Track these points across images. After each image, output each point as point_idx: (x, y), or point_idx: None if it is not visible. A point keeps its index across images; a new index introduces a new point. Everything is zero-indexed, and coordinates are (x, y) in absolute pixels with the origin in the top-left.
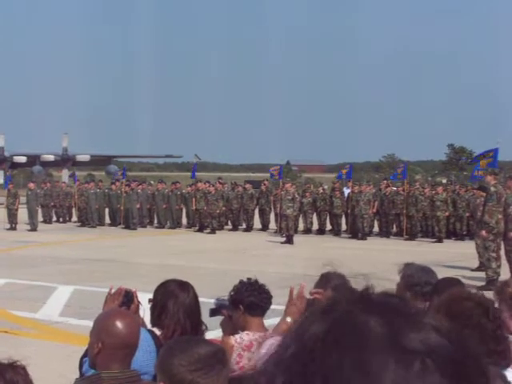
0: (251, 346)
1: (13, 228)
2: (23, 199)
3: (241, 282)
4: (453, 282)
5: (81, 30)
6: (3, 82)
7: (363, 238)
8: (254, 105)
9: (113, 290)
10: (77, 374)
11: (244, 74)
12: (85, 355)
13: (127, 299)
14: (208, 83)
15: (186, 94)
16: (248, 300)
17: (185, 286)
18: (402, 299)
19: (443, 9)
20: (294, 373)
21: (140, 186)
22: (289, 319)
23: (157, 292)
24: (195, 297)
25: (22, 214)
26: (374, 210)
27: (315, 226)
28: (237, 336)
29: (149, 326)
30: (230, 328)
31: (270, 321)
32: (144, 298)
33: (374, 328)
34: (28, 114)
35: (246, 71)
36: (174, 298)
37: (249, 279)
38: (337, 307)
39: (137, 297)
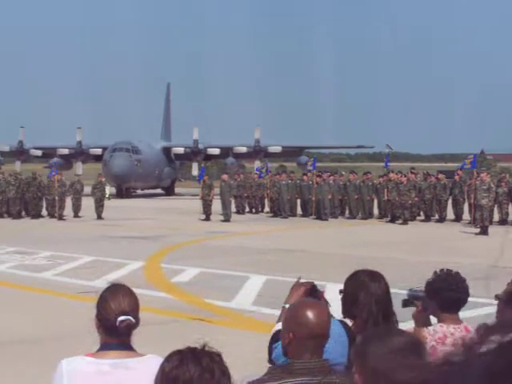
0: (445, 339)
1: (207, 218)
2: (217, 190)
3: (438, 273)
4: None
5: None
6: (198, 79)
7: None
8: (447, 93)
9: (301, 280)
10: (267, 363)
11: (422, 63)
12: (272, 341)
13: (312, 292)
14: (394, 74)
15: (378, 85)
16: (445, 294)
17: (376, 276)
18: None
19: None
20: None
21: (331, 177)
22: None
23: (347, 282)
24: (386, 287)
25: (216, 204)
26: None
27: (511, 217)
28: (430, 328)
29: (339, 316)
30: (423, 320)
31: (461, 313)
32: (335, 289)
33: None
34: (222, 107)
35: (424, 60)
36: (365, 288)
37: (448, 271)
38: None
39: (322, 292)
